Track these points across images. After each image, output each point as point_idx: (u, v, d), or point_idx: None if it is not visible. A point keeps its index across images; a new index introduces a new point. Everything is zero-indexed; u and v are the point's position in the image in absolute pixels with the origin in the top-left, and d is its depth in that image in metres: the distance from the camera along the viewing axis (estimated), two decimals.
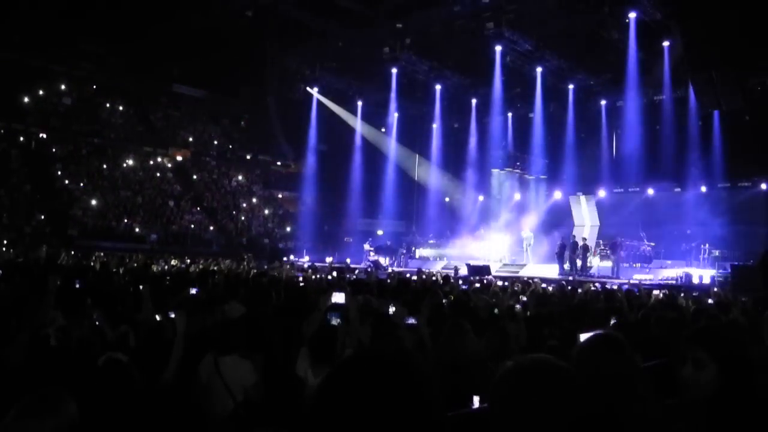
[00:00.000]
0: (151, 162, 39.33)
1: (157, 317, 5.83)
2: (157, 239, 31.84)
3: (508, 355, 4.91)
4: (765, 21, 18.32)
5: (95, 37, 36.22)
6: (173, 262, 21.55)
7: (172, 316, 5.04)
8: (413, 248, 29.82)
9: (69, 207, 31.67)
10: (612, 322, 7.14)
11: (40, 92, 36.94)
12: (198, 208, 37.39)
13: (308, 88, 32.72)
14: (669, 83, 24.77)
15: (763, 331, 4.33)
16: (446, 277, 15.18)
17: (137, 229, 32.34)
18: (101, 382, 3.42)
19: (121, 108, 40.95)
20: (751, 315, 7.29)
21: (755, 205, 22.90)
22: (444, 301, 8.68)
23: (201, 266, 19.15)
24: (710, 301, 10.43)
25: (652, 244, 23.38)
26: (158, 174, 38.66)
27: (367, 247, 29.48)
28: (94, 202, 32.63)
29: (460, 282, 14.10)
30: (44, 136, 35.76)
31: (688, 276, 19.69)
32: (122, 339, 5.14)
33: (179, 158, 40.85)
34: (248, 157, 44.84)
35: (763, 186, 23.28)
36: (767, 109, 22.29)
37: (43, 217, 30.35)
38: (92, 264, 16.57)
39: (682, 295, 12.19)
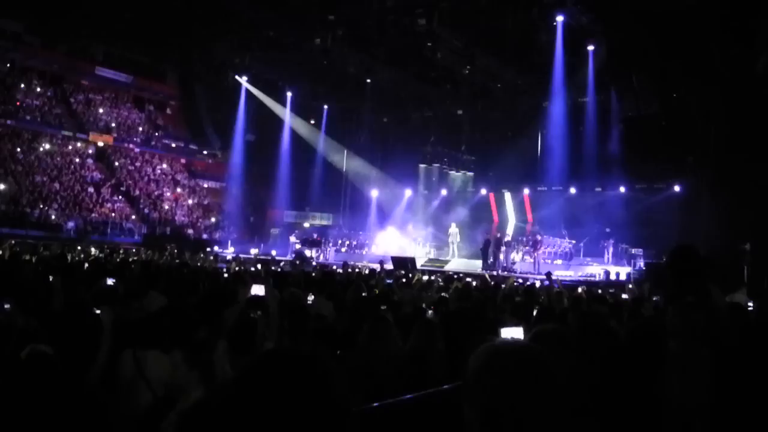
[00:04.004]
0: (70, 147, 37.86)
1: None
2: (75, 228, 30.71)
3: (434, 351, 4.94)
4: (679, 33, 19.08)
5: (11, 13, 34.50)
6: (92, 252, 20.82)
7: (98, 312, 4.84)
8: (340, 241, 29.75)
9: None
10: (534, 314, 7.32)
11: None
12: (119, 197, 36.27)
13: (237, 77, 32.16)
14: (593, 87, 25.46)
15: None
16: (372, 271, 15.22)
17: (53, 217, 31.08)
18: (25, 375, 3.25)
19: (38, 89, 39.24)
20: (661, 310, 7.58)
21: (669, 205, 23.83)
22: (364, 294, 8.70)
23: (121, 256, 18.59)
24: (625, 296, 10.82)
25: (573, 241, 24.05)
26: (77, 160, 37.28)
27: (293, 239, 29.27)
28: (2, 186, 31.08)
29: (384, 276, 14.14)
30: None
31: (607, 273, 20.40)
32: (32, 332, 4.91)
33: (101, 144, 39.51)
34: (173, 145, 43.76)
35: (677, 188, 24.25)
36: (681, 116, 23.19)
37: None
38: (1, 253, 15.81)
39: (599, 291, 12.60)
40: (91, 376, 4.12)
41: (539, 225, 26.09)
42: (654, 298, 9.29)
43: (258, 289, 5.46)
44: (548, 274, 11.44)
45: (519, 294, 10.32)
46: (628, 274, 20.10)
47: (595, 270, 21.55)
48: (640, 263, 21.05)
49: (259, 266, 16.68)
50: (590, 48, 24.09)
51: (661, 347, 3.17)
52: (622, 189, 25.51)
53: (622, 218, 23.63)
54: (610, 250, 22.75)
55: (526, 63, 25.81)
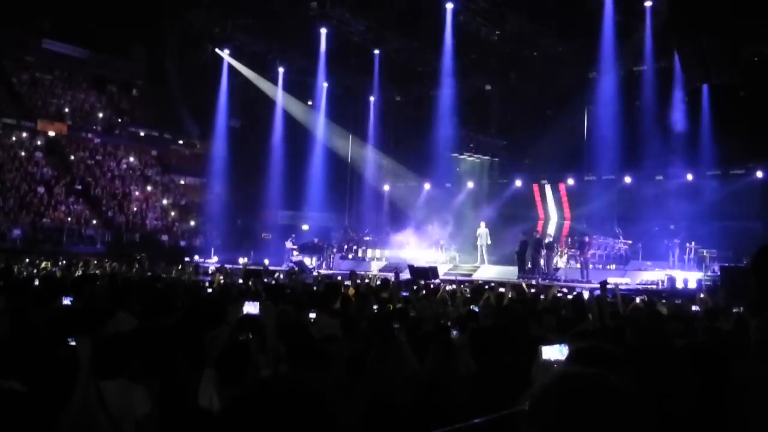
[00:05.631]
0: (14, 138, 38.11)
1: None
2: (22, 235, 30.92)
3: (454, 376, 4.96)
4: None
5: None
6: (43, 265, 20.97)
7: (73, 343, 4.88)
8: (345, 246, 29.79)
9: None
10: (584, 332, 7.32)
11: None
12: (77, 197, 36.48)
13: (217, 50, 32.23)
14: (651, 52, 25.33)
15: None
16: (385, 281, 15.23)
17: None
18: None
19: None
20: (743, 325, 7.53)
21: (750, 196, 23.63)
22: (375, 308, 8.75)
23: (81, 270, 18.70)
24: (695, 308, 10.76)
25: (629, 242, 23.94)
26: (24, 153, 37.50)
27: (289, 245, 29.34)
28: None
29: (401, 287, 14.17)
30: None
31: (672, 279, 20.27)
32: None
33: (52, 133, 39.75)
34: (142, 133, 44.00)
35: (759, 174, 24.02)
36: (765, 84, 22.94)
37: None
38: None
39: (663, 301, 12.54)
40: (65, 420, 4.14)
41: (587, 222, 26.01)
42: (734, 310, 9.23)
43: (251, 307, 5.51)
44: (603, 284, 11.47)
45: (564, 307, 10.31)
46: (699, 281, 19.98)
47: (657, 276, 21.44)
48: (714, 267, 20.92)
49: (249, 279, 16.73)
50: (648, 4, 23.97)
51: (725, 369, 3.17)
52: (690, 176, 25.35)
53: (690, 212, 23.51)
54: (676, 251, 22.62)
55: (568, 26, 25.71)
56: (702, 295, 13.41)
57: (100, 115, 43.38)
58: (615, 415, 1.54)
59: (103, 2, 34.70)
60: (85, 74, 44.87)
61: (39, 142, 39.07)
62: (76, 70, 44.29)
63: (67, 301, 7.43)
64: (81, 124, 41.55)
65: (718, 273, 19.70)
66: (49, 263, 21.83)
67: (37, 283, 12.09)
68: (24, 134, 38.74)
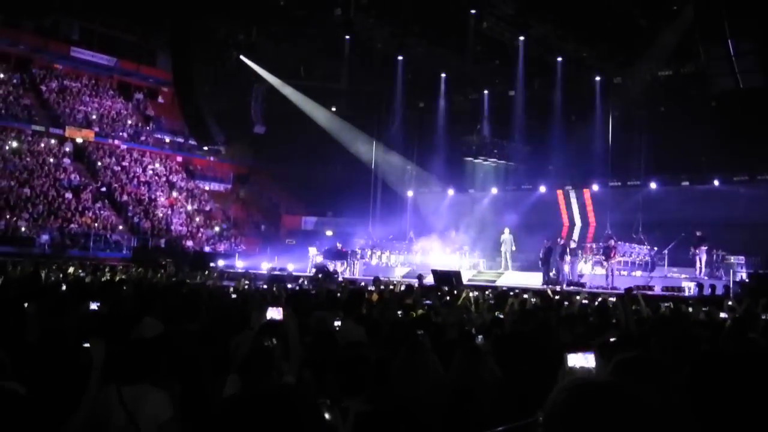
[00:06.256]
0: (43, 144, 38.48)
1: None
2: (50, 241, 31.21)
3: (480, 383, 4.93)
4: None
5: None
6: (71, 270, 21.15)
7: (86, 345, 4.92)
8: (369, 252, 29.79)
9: None
10: (610, 339, 7.27)
11: None
12: (103, 203, 36.76)
13: (242, 57, 32.38)
14: (677, 56, 25.16)
15: None
16: (409, 287, 15.22)
17: (24, 229, 31.62)
18: None
19: (1, 75, 39.93)
20: None
21: None
22: (400, 313, 8.74)
23: (107, 275, 18.87)
24: (723, 315, 10.64)
25: (655, 248, 23.76)
26: (52, 159, 37.87)
27: (313, 251, 29.40)
28: None
29: (422, 292, 14.17)
30: None
31: (698, 286, 20.08)
32: None
33: (79, 140, 40.10)
34: (167, 140, 44.25)
35: None
36: None
37: None
38: None
39: (690, 309, 12.41)
40: (74, 422, 4.16)
41: (612, 228, 25.82)
42: (763, 317, 9.14)
43: (274, 313, 5.51)
44: (628, 291, 11.41)
45: (590, 313, 10.25)
46: (727, 288, 19.77)
47: (683, 283, 21.27)
48: (742, 274, 20.70)
49: (273, 285, 16.79)
50: (674, 8, 23.80)
51: None
52: (717, 182, 25.12)
53: (717, 218, 23.25)
54: (703, 258, 22.39)
55: (592, 30, 25.57)
56: (730, 303, 13.25)
57: (127, 121, 43.75)
58: (627, 424, 1.54)
59: (130, 11, 34.94)
60: (112, 81, 45.36)
61: (67, 149, 39.42)
62: (103, 78, 44.73)
63: (94, 306, 7.48)
64: (108, 130, 41.89)
65: (746, 280, 19.50)
66: (76, 269, 22.03)
67: (64, 288, 12.22)
68: (52, 141, 39.11)
